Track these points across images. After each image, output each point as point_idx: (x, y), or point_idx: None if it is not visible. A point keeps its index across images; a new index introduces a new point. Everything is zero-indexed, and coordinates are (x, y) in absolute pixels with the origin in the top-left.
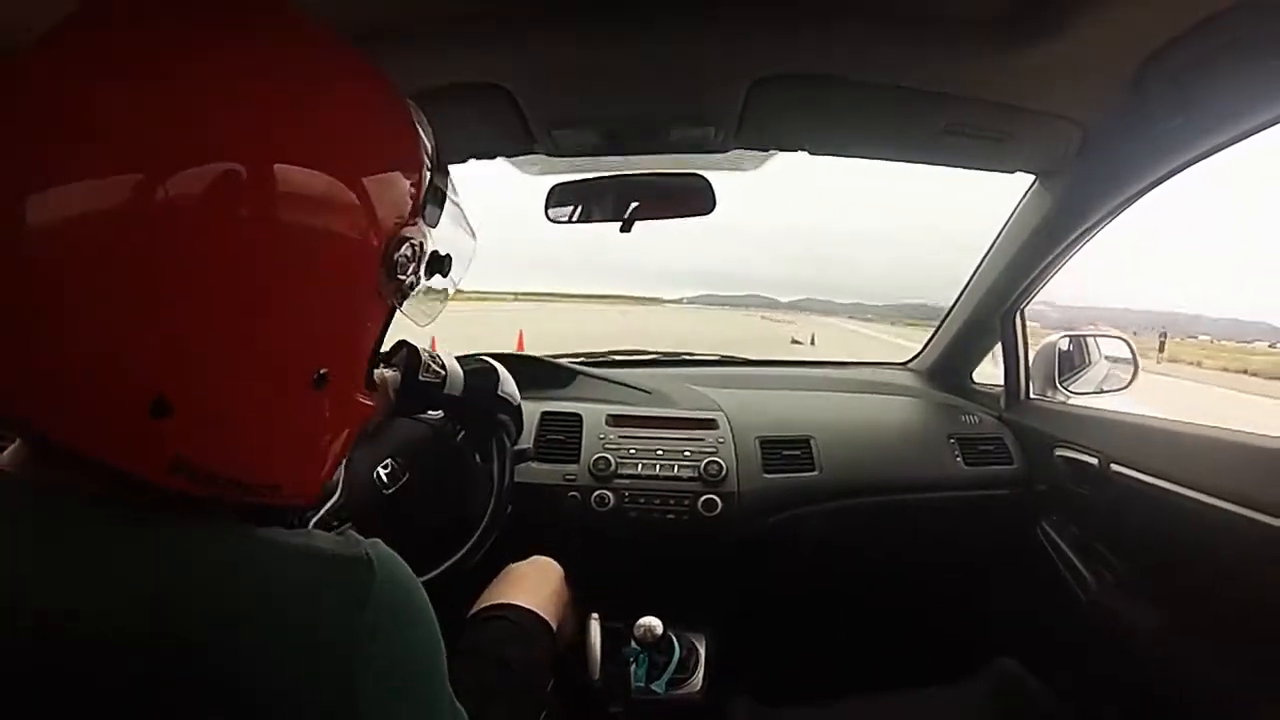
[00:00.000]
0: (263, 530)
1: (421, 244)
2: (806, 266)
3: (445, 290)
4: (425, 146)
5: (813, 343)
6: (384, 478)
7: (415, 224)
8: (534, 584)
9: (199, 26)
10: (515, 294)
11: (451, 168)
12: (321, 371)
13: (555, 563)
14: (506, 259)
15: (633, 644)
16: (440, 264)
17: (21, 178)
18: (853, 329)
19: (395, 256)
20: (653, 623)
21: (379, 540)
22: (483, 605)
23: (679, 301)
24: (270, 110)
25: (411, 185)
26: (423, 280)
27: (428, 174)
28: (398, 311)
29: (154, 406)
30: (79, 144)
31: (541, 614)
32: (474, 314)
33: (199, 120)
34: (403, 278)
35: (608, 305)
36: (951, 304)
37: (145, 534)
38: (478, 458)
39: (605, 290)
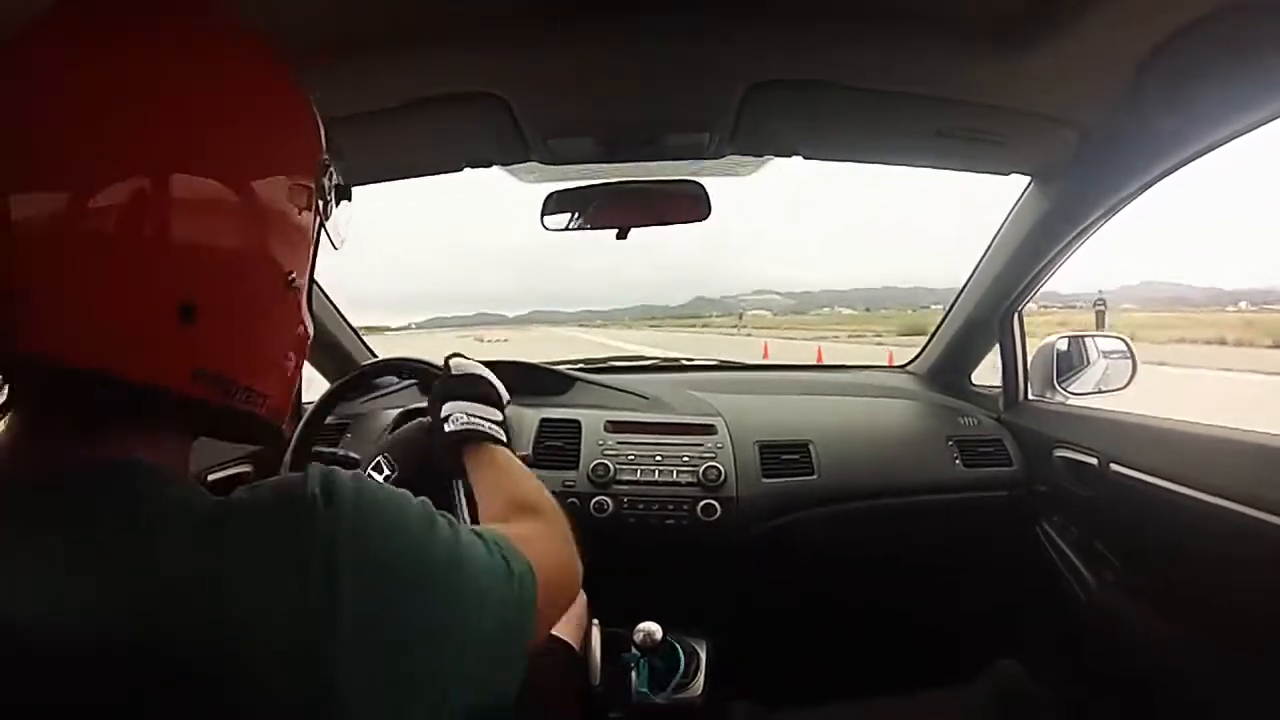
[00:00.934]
0: (211, 499)
1: (332, 172)
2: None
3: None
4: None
5: None
6: (373, 476)
7: (325, 157)
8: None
9: (110, 37)
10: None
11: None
12: (290, 275)
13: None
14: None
15: (633, 650)
16: (345, 192)
17: None
18: None
19: (322, 181)
20: (652, 628)
21: (330, 469)
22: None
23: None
24: (181, 110)
25: (315, 131)
26: (334, 205)
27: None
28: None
29: (181, 313)
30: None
31: (571, 643)
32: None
33: (118, 129)
34: (325, 200)
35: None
36: (949, 306)
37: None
38: None
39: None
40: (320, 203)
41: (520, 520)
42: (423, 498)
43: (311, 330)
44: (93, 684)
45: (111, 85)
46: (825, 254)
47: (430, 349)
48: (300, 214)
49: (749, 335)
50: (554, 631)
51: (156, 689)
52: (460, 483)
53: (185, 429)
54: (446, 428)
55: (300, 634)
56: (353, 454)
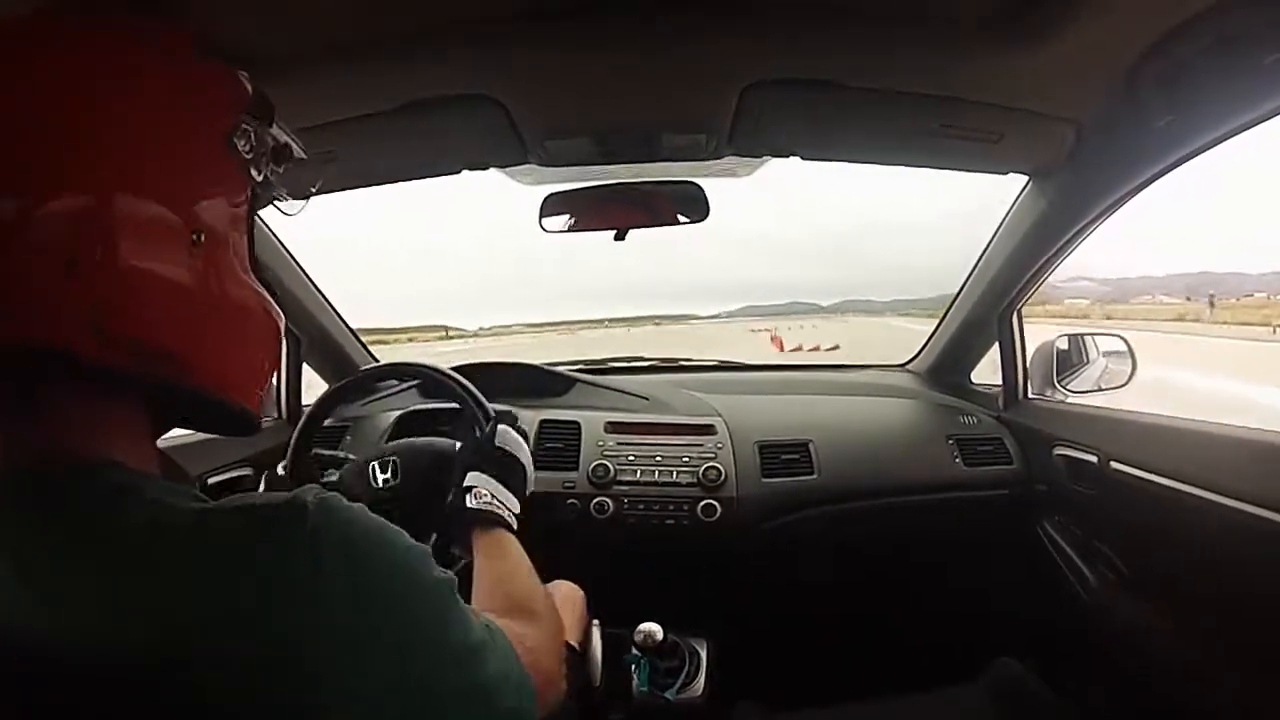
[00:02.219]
0: (196, 502)
1: (257, 134)
2: (840, 267)
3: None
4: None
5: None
6: (378, 474)
7: (245, 119)
8: (565, 614)
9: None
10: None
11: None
12: (195, 231)
13: (576, 587)
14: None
15: (634, 650)
16: (284, 153)
17: None
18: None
19: (234, 140)
20: (652, 628)
21: (319, 488)
22: None
23: (718, 317)
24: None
25: (233, 96)
26: (269, 164)
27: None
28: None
29: (65, 265)
30: None
31: (574, 645)
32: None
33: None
34: (246, 158)
35: (637, 326)
36: (948, 305)
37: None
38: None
39: (636, 312)
40: (238, 164)
41: (516, 620)
42: (425, 547)
43: (267, 304)
44: (61, 690)
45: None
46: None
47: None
48: (209, 172)
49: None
50: (569, 640)
51: (128, 695)
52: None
53: (146, 425)
54: (468, 501)
55: (268, 641)
56: (352, 455)
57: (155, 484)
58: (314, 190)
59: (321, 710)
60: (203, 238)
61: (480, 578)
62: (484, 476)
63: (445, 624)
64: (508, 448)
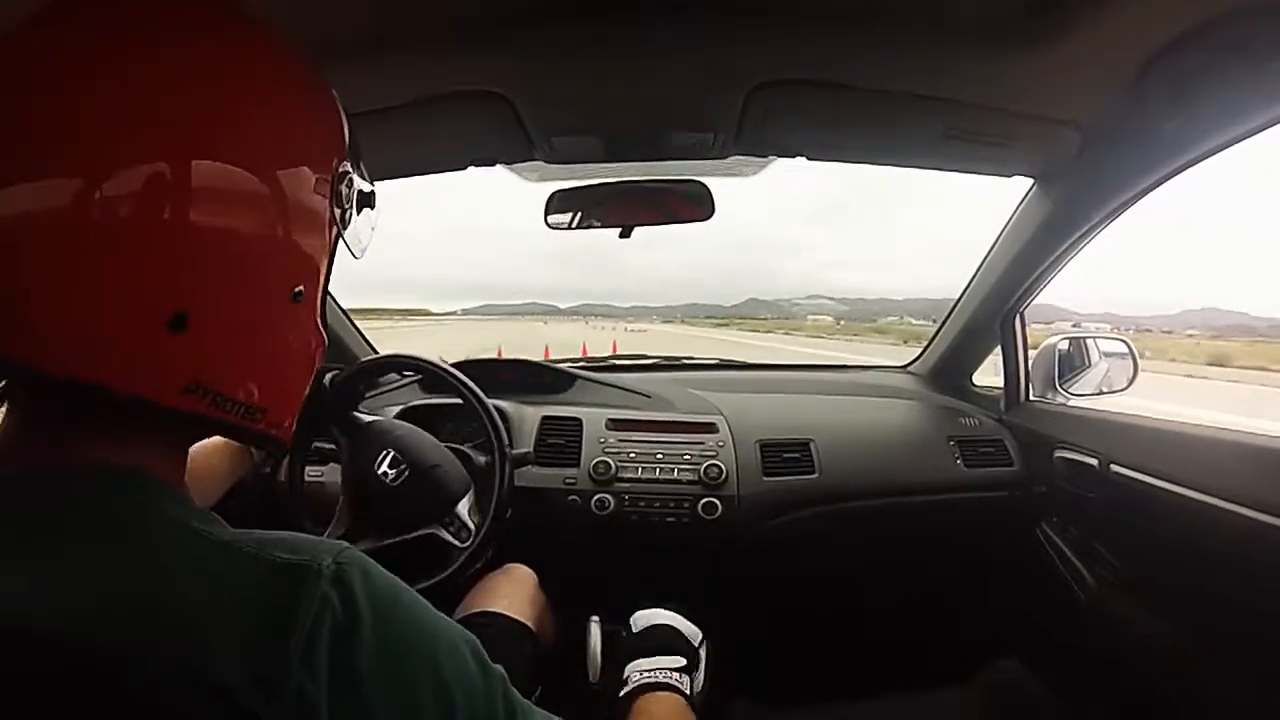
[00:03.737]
0: (220, 531)
1: (353, 179)
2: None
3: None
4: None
5: None
6: (387, 472)
7: (348, 162)
8: (510, 591)
9: (128, 30)
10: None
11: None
12: (297, 289)
13: (529, 569)
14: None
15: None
16: (368, 199)
17: None
18: None
19: (340, 189)
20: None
21: (345, 543)
22: (462, 614)
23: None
24: (203, 105)
25: (338, 134)
26: (354, 213)
27: (345, 125)
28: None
29: (172, 322)
30: (14, 146)
31: (522, 620)
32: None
33: (135, 122)
34: (344, 208)
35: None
36: (951, 307)
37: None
38: (479, 458)
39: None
40: (337, 211)
41: None
42: (474, 639)
43: (324, 342)
44: (63, 691)
45: (108, 76)
46: (880, 262)
47: (492, 336)
48: (312, 223)
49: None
50: (508, 613)
51: (130, 704)
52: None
53: (181, 438)
54: (623, 691)
55: (263, 689)
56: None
57: (182, 503)
58: (373, 228)
59: None
60: (301, 294)
61: None
62: (640, 661)
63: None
64: (649, 623)
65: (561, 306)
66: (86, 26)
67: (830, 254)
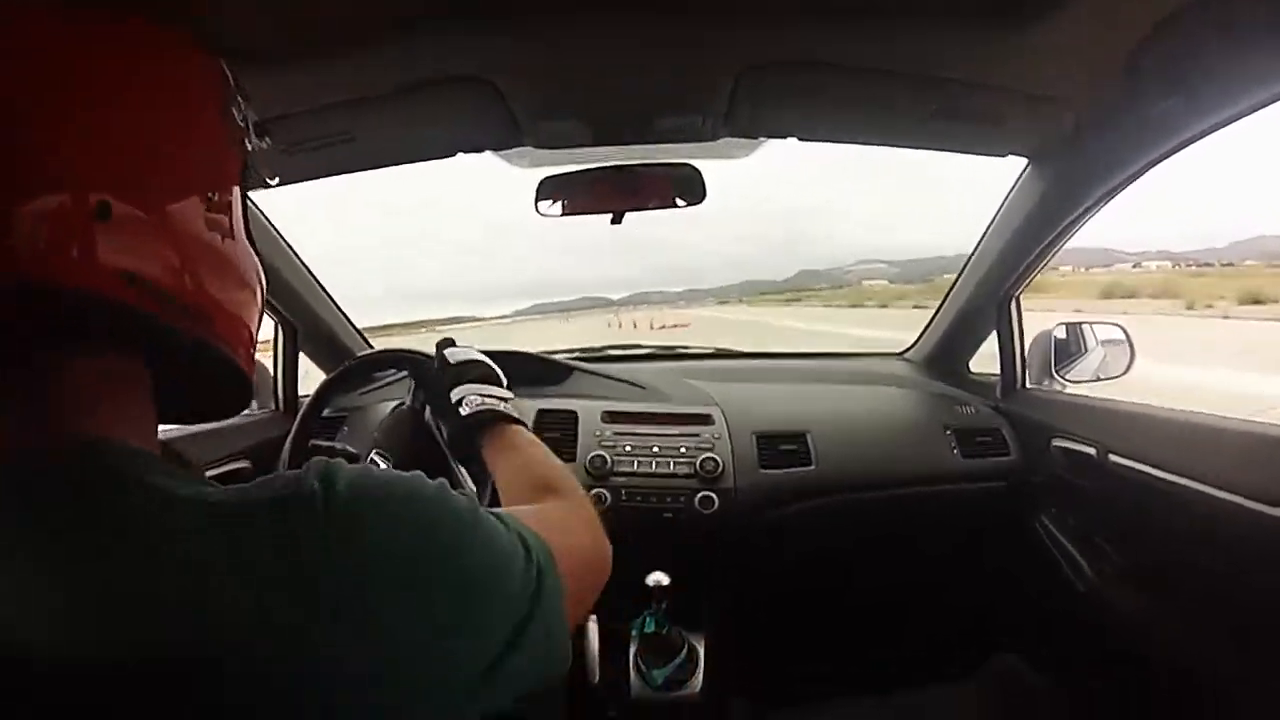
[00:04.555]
0: (208, 492)
1: (242, 105)
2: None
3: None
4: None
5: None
6: (379, 465)
7: (234, 93)
8: None
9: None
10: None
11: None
12: (210, 194)
13: None
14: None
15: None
16: (263, 128)
17: None
18: None
19: (231, 110)
20: (661, 577)
21: (325, 458)
22: None
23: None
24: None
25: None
26: (253, 138)
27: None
28: None
29: (98, 210)
30: None
31: None
32: None
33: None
34: (242, 128)
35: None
36: (946, 291)
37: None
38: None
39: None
40: (236, 132)
41: (544, 503)
42: (441, 480)
43: (259, 271)
44: (66, 685)
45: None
46: (923, 219)
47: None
48: (217, 134)
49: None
50: None
51: (140, 689)
52: (464, 466)
53: (147, 398)
54: (462, 411)
55: (291, 627)
56: (350, 448)
57: (162, 467)
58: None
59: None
60: (216, 196)
61: (500, 476)
62: (465, 386)
63: (473, 548)
64: (463, 358)
65: (614, 297)
66: None
67: (870, 214)
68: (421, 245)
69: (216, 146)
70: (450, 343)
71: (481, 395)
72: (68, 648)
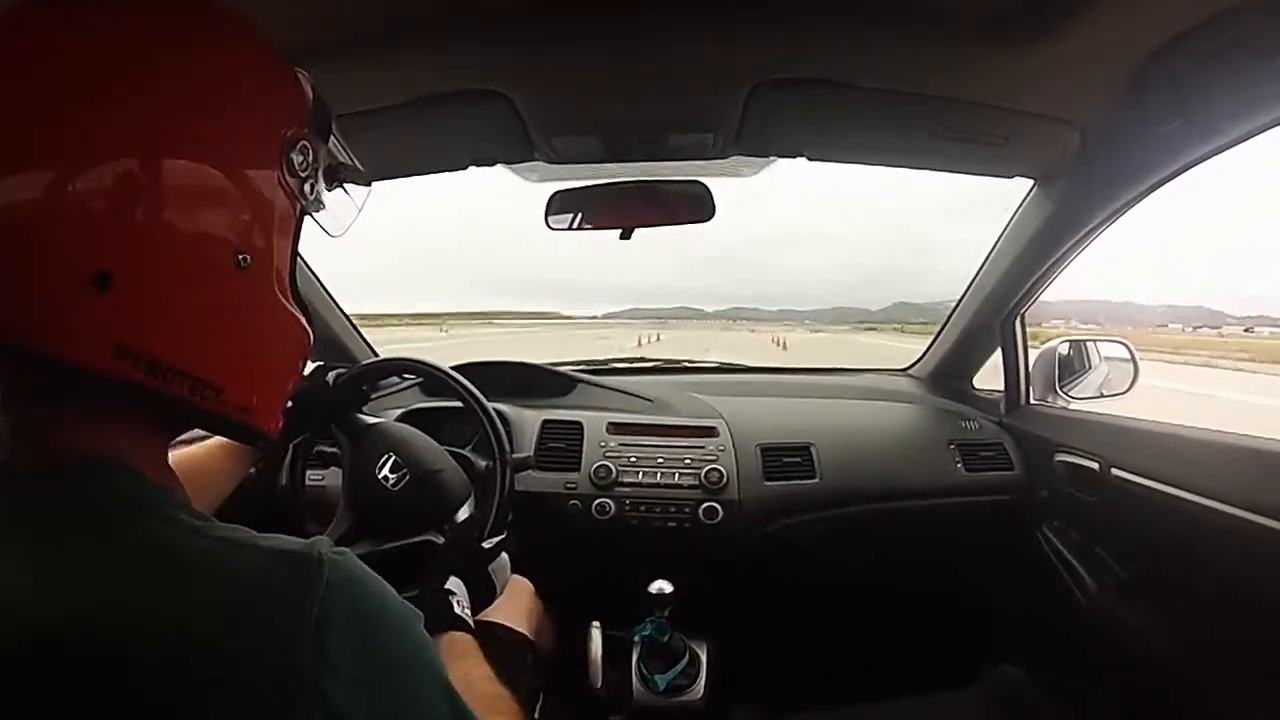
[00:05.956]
0: (217, 528)
1: (314, 149)
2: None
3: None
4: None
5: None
6: (388, 476)
7: (306, 132)
8: (507, 601)
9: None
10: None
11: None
12: (241, 256)
13: (524, 579)
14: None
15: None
16: (337, 173)
17: None
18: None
19: (291, 156)
20: (664, 585)
21: (335, 545)
22: None
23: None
24: (151, 93)
25: (292, 103)
26: (322, 186)
27: (309, 89)
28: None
29: (96, 279)
30: None
31: (521, 630)
32: None
33: (87, 117)
34: (299, 177)
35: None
36: (951, 310)
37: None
38: (480, 462)
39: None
40: (292, 181)
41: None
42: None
43: (305, 331)
44: (49, 700)
45: (31, 53)
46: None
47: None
48: (259, 191)
49: None
50: (506, 623)
51: (125, 699)
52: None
53: (158, 422)
54: (454, 606)
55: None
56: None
57: (169, 498)
58: (360, 209)
59: None
60: (248, 261)
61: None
62: (464, 587)
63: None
64: (495, 577)
65: (708, 310)
66: None
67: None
68: (518, 239)
69: (257, 199)
70: (500, 550)
71: (465, 606)
72: (31, 655)
